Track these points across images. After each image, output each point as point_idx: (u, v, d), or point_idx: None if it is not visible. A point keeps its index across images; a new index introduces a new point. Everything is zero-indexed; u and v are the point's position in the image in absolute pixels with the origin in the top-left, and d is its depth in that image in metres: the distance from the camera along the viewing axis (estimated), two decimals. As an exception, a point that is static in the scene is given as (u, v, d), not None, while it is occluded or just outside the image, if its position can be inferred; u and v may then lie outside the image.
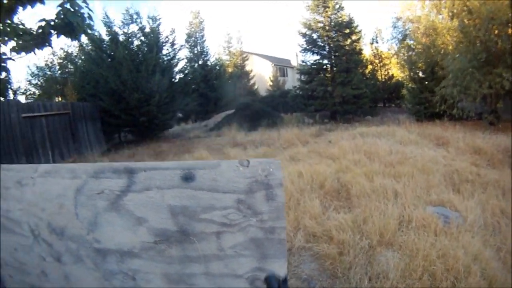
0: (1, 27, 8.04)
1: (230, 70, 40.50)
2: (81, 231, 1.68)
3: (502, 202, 5.34)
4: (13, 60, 8.23)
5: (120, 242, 1.60)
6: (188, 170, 1.46)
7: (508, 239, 4.27)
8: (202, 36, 33.37)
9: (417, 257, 3.78)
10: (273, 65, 47.65)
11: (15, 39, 8.05)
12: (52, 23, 7.68)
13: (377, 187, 5.93)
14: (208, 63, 32.74)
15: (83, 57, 18.08)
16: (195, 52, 32.48)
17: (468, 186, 6.17)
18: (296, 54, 46.26)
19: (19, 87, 15.08)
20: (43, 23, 7.75)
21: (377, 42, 30.69)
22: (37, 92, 16.64)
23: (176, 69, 19.84)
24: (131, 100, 15.23)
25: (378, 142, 10.13)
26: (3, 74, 8.38)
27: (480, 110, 14.12)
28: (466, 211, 4.99)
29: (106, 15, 17.56)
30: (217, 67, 33.22)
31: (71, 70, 17.94)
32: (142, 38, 17.80)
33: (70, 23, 7.56)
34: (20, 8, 7.91)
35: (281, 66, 50.19)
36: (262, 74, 44.98)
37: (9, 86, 10.77)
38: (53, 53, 16.51)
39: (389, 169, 7.10)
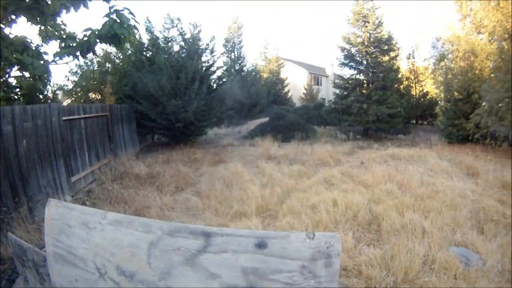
0: (43, 28, 8.34)
1: (265, 76, 40.55)
2: (153, 278, 1.92)
3: (522, 246, 5.38)
4: (56, 63, 8.45)
5: (193, 291, 1.85)
6: (262, 238, 1.74)
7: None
8: (240, 41, 33.59)
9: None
10: (308, 73, 47.52)
11: (58, 41, 8.34)
12: (97, 32, 7.84)
13: (406, 223, 6.08)
14: (245, 68, 32.96)
15: (121, 57, 18.26)
16: (232, 57, 32.70)
17: (492, 227, 6.26)
18: (332, 64, 46.25)
19: (57, 84, 15.15)
20: (88, 33, 7.95)
21: (413, 58, 30.32)
22: (74, 88, 16.60)
23: (215, 76, 19.98)
24: (169, 106, 15.35)
25: (410, 168, 10.21)
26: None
27: (512, 137, 13.96)
28: (487, 254, 5.11)
29: (148, 20, 17.86)
30: (253, 73, 33.33)
31: (109, 69, 17.95)
32: (182, 43, 17.92)
33: (116, 34, 7.69)
34: (64, 11, 8.15)
35: (316, 75, 50.04)
36: (296, 82, 44.88)
37: (48, 84, 10.99)
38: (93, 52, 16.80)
39: (419, 203, 7.22)
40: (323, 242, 1.68)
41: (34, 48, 8.37)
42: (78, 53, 8.20)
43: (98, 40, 7.97)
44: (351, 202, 7.08)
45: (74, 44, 8.19)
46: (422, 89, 29.86)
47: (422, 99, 28.98)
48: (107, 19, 7.66)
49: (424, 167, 10.89)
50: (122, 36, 7.83)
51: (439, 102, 26.93)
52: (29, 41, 8.35)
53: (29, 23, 7.74)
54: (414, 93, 29.26)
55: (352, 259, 5.00)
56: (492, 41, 16.59)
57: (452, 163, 11.68)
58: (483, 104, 14.96)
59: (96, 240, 2.09)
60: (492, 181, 9.22)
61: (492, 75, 16.34)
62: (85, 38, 8.02)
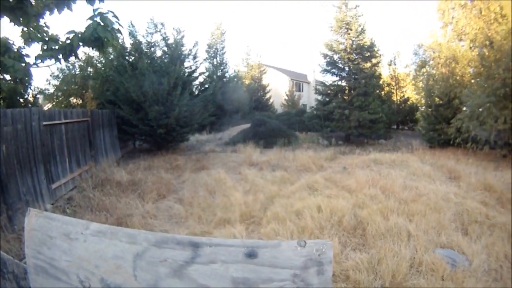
0: (26, 29, 8.19)
1: (247, 82, 40.70)
2: None
3: (507, 246, 5.49)
4: (38, 66, 8.29)
5: (181, 304, 1.78)
6: (252, 248, 1.67)
7: (509, 286, 4.47)
8: (223, 47, 33.58)
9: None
10: (289, 79, 47.72)
11: (41, 43, 8.13)
12: (81, 35, 7.60)
13: (391, 227, 6.11)
14: (227, 75, 32.95)
15: (104, 61, 18.09)
16: (215, 63, 32.70)
17: (476, 228, 6.38)
18: (313, 70, 46.52)
19: (37, 88, 14.93)
20: (71, 35, 7.70)
21: (395, 64, 30.73)
22: (55, 93, 16.38)
23: (197, 82, 19.94)
24: (151, 112, 15.24)
25: (393, 173, 10.33)
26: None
27: (494, 140, 14.17)
28: (473, 255, 5.19)
29: (131, 24, 17.71)
30: (235, 80, 33.38)
31: (91, 73, 17.76)
32: (165, 48, 17.87)
33: (99, 37, 7.52)
34: (47, 13, 8.01)
35: (297, 81, 50.26)
36: (278, 88, 45.01)
37: (29, 87, 10.81)
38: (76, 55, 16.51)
39: (403, 206, 7.28)
40: (314, 250, 1.63)
41: (16, 50, 8.20)
42: (60, 56, 8.01)
43: (81, 43, 7.80)
44: (336, 207, 7.08)
45: (57, 47, 8.02)
46: (403, 95, 30.37)
47: (403, 105, 29.45)
48: (90, 22, 7.48)
49: (407, 171, 10.98)
50: (106, 40, 7.67)
51: (420, 107, 27.33)
52: (11, 42, 8.19)
53: (12, 23, 7.58)
54: (395, 99, 29.71)
55: (339, 264, 4.99)
56: (473, 48, 16.94)
57: (434, 167, 11.80)
58: (464, 109, 15.24)
59: (78, 252, 1.99)
60: (474, 184, 9.32)
61: (472, 81, 16.72)
62: (68, 41, 7.82)
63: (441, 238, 5.87)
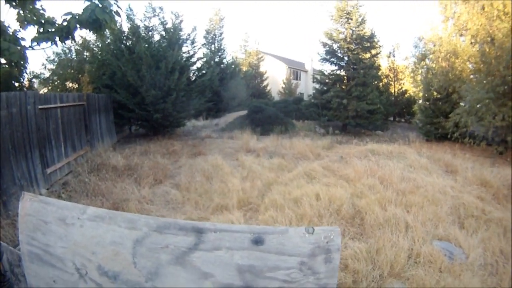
0: (22, 12, 8.02)
1: (244, 69, 40.55)
2: (139, 279, 1.78)
3: (502, 241, 5.54)
4: (33, 49, 8.14)
5: (183, 292, 1.72)
6: (259, 234, 1.63)
7: (504, 280, 4.47)
8: (221, 33, 33.36)
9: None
10: (287, 67, 47.60)
11: (36, 26, 7.93)
12: (78, 17, 7.49)
13: (390, 217, 6.13)
14: (224, 61, 32.78)
15: (100, 45, 17.87)
16: (213, 49, 32.50)
17: (472, 222, 6.42)
18: (311, 59, 46.42)
19: (33, 72, 14.70)
20: (68, 17, 7.58)
21: (394, 56, 30.66)
22: (51, 77, 16.17)
23: (194, 67, 19.81)
24: (147, 96, 15.13)
25: (390, 164, 10.27)
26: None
27: (492, 136, 14.22)
28: (469, 248, 5.23)
29: (129, 7, 17.33)
30: (233, 66, 33.24)
31: (88, 57, 17.54)
32: (163, 33, 17.64)
33: (97, 19, 7.35)
34: None
35: (295, 69, 50.17)
36: (275, 76, 44.90)
37: (24, 71, 10.62)
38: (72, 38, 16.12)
39: (401, 197, 7.30)
40: (322, 237, 1.60)
41: (11, 33, 8.05)
42: (56, 39, 7.89)
43: (78, 25, 7.66)
44: (334, 196, 7.08)
45: (53, 30, 7.87)
46: (401, 87, 30.33)
47: (400, 97, 29.41)
48: (88, 3, 7.38)
49: (404, 163, 10.97)
50: (104, 22, 7.54)
51: (418, 100, 27.32)
52: (7, 25, 8.03)
53: (7, 6, 7.43)
54: (393, 91, 29.71)
55: (338, 253, 4.95)
56: (474, 43, 16.87)
57: (431, 160, 11.80)
58: (462, 104, 15.25)
59: (74, 238, 1.93)
60: (470, 179, 9.31)
61: (472, 76, 16.68)
62: (65, 23, 7.69)
63: (438, 231, 5.90)
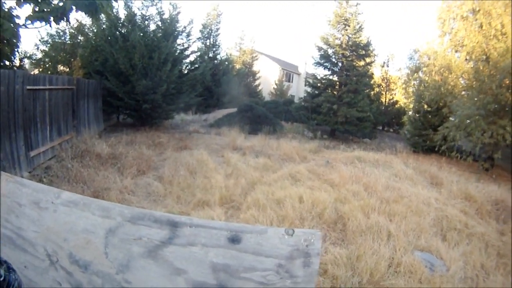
0: None
1: (238, 66, 40.49)
2: (109, 270, 1.72)
3: (483, 256, 5.56)
4: (27, 27, 8.00)
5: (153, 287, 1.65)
6: (236, 232, 1.56)
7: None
8: (217, 29, 33.24)
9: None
10: (280, 68, 47.64)
11: (33, 5, 7.76)
12: None
13: (372, 225, 6.11)
14: (218, 57, 32.68)
15: (95, 30, 17.69)
16: (207, 44, 32.39)
17: (455, 235, 6.43)
18: (305, 63, 46.46)
19: (25, 52, 14.53)
20: None
21: (387, 66, 30.84)
22: (43, 58, 15.99)
23: (188, 60, 19.71)
24: (138, 86, 15.01)
25: (376, 172, 10.28)
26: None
27: (479, 153, 14.38)
28: (450, 261, 5.21)
29: (127, -6, 17.13)
30: (226, 63, 33.17)
31: (81, 41, 17.37)
32: (159, 23, 17.46)
33: (93, 2, 7.26)
34: None
35: (288, 71, 50.22)
36: (268, 76, 44.87)
37: (16, 51, 10.45)
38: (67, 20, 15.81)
39: (385, 206, 7.28)
40: (302, 240, 1.54)
41: (6, 10, 7.89)
42: (51, 19, 7.77)
43: (74, 7, 7.55)
44: (317, 199, 7.05)
45: (48, 10, 7.74)
46: (392, 98, 30.59)
47: (391, 107, 29.65)
48: (86, -15, 7.28)
49: (390, 172, 10.99)
50: (100, 6, 7.44)
51: (408, 111, 27.48)
52: (3, 1, 7.87)
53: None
54: (384, 101, 29.91)
55: (317, 257, 4.89)
56: (468, 60, 17.06)
57: (416, 171, 11.82)
58: (452, 118, 15.38)
59: (47, 223, 1.87)
60: (455, 192, 9.34)
61: (464, 92, 16.84)
62: (61, 3, 7.58)
63: (420, 241, 5.89)
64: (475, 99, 14.26)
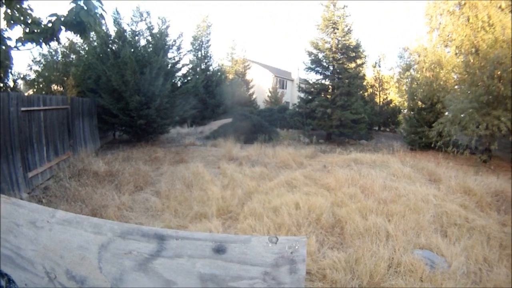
0: (10, 11, 7.90)
1: (231, 76, 40.50)
2: (104, 284, 1.73)
3: (486, 250, 5.50)
4: (19, 49, 8.03)
5: (147, 299, 1.67)
6: (220, 242, 1.58)
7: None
8: (208, 40, 33.31)
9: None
10: (273, 76, 47.73)
11: (23, 26, 7.80)
12: (63, 18, 7.43)
13: (370, 226, 6.07)
14: (211, 68, 32.71)
15: (87, 48, 17.77)
16: (199, 56, 32.45)
17: (455, 230, 6.37)
18: (298, 68, 46.59)
19: (19, 73, 14.64)
20: (53, 18, 7.34)
21: (379, 66, 30.94)
22: (36, 79, 16.10)
23: (180, 73, 19.76)
24: (131, 102, 15.03)
25: (373, 173, 10.28)
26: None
27: (475, 145, 14.43)
28: (451, 256, 5.16)
29: (116, 11, 17.28)
30: (219, 73, 33.23)
31: (74, 60, 17.48)
32: (149, 38, 17.53)
33: (82, 22, 7.35)
34: None
35: (281, 78, 50.30)
36: (261, 84, 44.99)
37: (10, 72, 10.49)
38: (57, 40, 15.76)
39: (383, 206, 7.26)
40: (287, 247, 1.55)
41: (-3, 32, 7.94)
42: (41, 40, 7.82)
43: (63, 27, 7.59)
44: (314, 205, 7.03)
45: (38, 30, 7.80)
46: (386, 97, 30.66)
47: (385, 107, 29.70)
48: (74, 5, 7.31)
49: (387, 172, 11.00)
50: (88, 25, 7.47)
51: (402, 110, 27.58)
52: (-6, 24, 7.92)
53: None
54: (378, 101, 29.97)
55: (316, 262, 4.92)
56: (458, 54, 17.18)
57: (414, 169, 11.82)
58: (446, 113, 15.42)
59: (44, 241, 1.90)
60: (454, 187, 9.33)
61: (456, 86, 16.93)
62: (49, 24, 7.62)
63: (420, 239, 5.84)
64: (468, 92, 14.38)
